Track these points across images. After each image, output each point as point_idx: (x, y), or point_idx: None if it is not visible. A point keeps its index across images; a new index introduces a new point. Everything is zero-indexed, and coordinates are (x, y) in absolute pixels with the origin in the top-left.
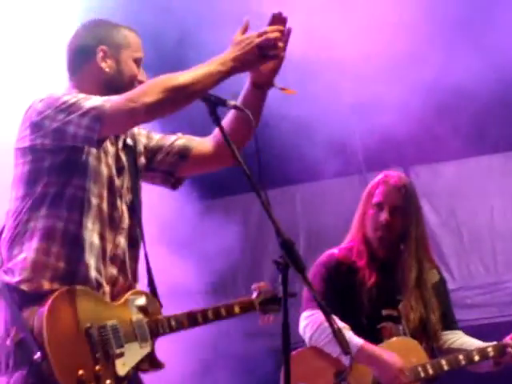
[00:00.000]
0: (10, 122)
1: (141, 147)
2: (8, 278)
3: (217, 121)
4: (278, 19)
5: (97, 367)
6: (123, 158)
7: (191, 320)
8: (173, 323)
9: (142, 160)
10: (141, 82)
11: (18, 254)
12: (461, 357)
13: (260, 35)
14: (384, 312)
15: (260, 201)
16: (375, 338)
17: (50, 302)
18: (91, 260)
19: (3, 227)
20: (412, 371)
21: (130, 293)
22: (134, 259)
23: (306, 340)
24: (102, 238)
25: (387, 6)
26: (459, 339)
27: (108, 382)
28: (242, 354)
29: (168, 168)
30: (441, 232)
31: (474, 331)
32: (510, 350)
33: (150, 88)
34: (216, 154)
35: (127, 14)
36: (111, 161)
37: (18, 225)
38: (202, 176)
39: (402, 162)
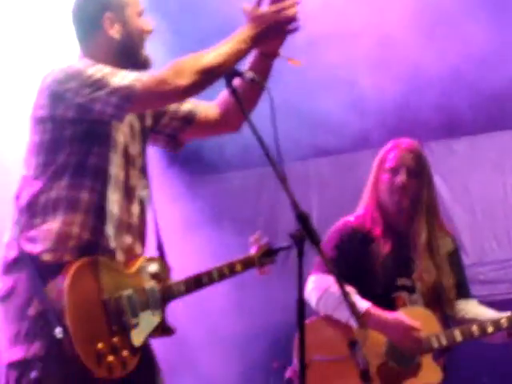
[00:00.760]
0: None
1: None
2: (30, 247)
3: (234, 92)
4: None
5: (114, 339)
6: (135, 123)
7: (198, 282)
8: (182, 288)
9: (149, 121)
10: (148, 32)
11: (42, 223)
12: (474, 328)
13: (278, 11)
14: (399, 281)
15: (276, 174)
16: (389, 307)
17: (71, 274)
18: (111, 230)
19: (19, 191)
20: (425, 341)
21: (142, 260)
22: (145, 225)
23: (312, 303)
24: (120, 207)
25: None
26: (473, 309)
27: (125, 352)
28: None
29: (172, 132)
30: (454, 208)
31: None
32: None
33: (181, 70)
34: (222, 121)
35: None
36: (126, 128)
37: (39, 192)
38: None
39: (414, 138)
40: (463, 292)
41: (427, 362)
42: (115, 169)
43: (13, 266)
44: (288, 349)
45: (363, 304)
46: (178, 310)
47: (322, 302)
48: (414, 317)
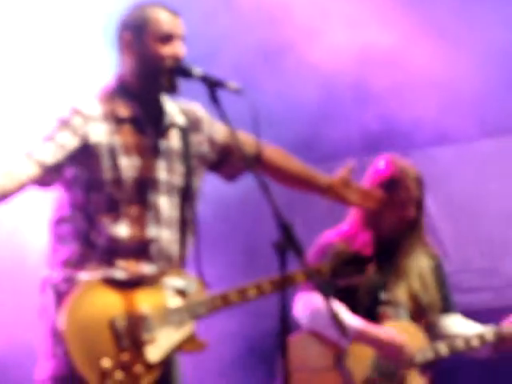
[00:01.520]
0: None
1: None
2: (50, 273)
3: (217, 103)
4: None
5: (123, 355)
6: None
7: (241, 295)
8: (217, 302)
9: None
10: (175, 59)
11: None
12: (459, 341)
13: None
14: (383, 296)
15: (258, 182)
16: (374, 322)
17: (73, 296)
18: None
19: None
20: (411, 356)
21: (166, 275)
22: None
23: (301, 322)
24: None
25: None
26: (458, 323)
27: (138, 368)
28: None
29: (235, 172)
30: (437, 215)
31: (469, 315)
32: (507, 334)
33: None
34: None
35: None
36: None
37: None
38: None
39: (398, 146)
40: (447, 307)
41: (413, 375)
42: None
43: (44, 285)
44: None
45: (355, 322)
46: None
47: (314, 322)
48: (399, 331)
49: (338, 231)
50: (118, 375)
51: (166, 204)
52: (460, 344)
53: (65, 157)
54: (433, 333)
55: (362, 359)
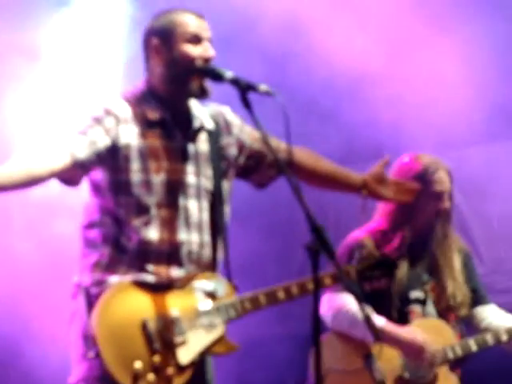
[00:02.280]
0: None
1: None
2: (81, 277)
3: (248, 106)
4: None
5: (155, 358)
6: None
7: (270, 297)
8: (247, 305)
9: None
10: (205, 60)
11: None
12: (488, 337)
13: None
14: (411, 295)
15: (290, 185)
16: (403, 320)
17: (104, 298)
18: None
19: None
20: (440, 352)
21: (197, 278)
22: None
23: (328, 322)
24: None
25: None
26: (488, 317)
27: (170, 370)
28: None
29: (265, 180)
30: (470, 217)
31: None
32: None
33: None
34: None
35: None
36: None
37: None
38: None
39: (430, 147)
40: (479, 298)
41: (444, 372)
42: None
43: (75, 291)
44: (303, 365)
45: (379, 320)
46: None
47: (338, 321)
48: (428, 329)
49: (367, 229)
50: (150, 377)
51: (195, 207)
52: (489, 339)
53: (95, 154)
54: (462, 327)
55: (391, 358)
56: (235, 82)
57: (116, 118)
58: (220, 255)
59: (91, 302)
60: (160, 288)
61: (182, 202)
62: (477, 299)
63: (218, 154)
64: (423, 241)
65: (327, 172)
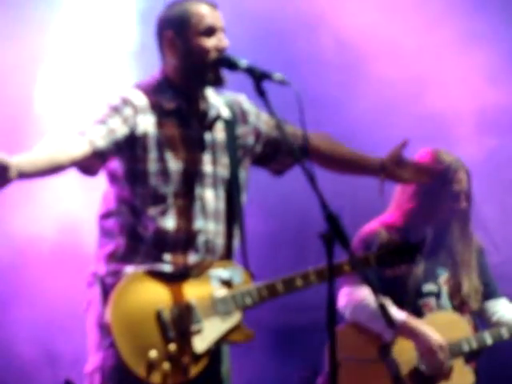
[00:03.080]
0: None
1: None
2: (97, 267)
3: (263, 95)
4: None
5: (170, 346)
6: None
7: (287, 285)
8: (263, 292)
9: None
10: (220, 51)
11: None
12: (503, 330)
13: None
14: (425, 287)
15: (305, 173)
16: (417, 313)
17: (118, 287)
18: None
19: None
20: (455, 345)
21: (212, 266)
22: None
23: (346, 316)
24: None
25: None
26: (501, 310)
27: (185, 359)
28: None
29: (283, 167)
30: (486, 205)
31: None
32: None
33: None
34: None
35: None
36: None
37: (109, 214)
38: None
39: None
40: (491, 292)
41: (459, 365)
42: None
43: (91, 280)
44: (318, 356)
45: (400, 315)
46: None
47: (357, 314)
48: (442, 321)
49: (382, 221)
50: (166, 366)
51: (212, 196)
52: (504, 333)
53: (114, 143)
54: (476, 320)
55: (407, 350)
56: (250, 71)
57: (134, 107)
58: (236, 243)
59: (107, 291)
60: (175, 277)
61: (198, 191)
62: (488, 293)
63: (234, 143)
64: (438, 237)
65: (345, 156)
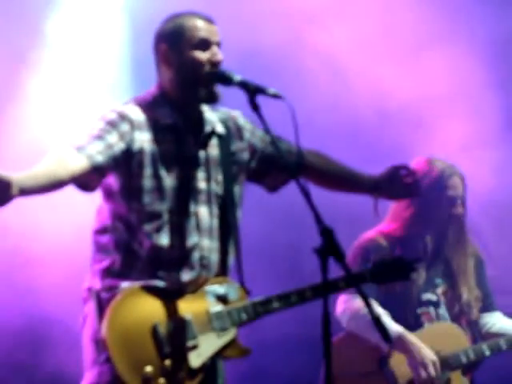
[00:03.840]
0: None
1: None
2: (93, 282)
3: (257, 109)
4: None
5: (166, 362)
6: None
7: (283, 301)
8: (259, 308)
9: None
10: (214, 65)
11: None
12: (502, 341)
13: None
14: (424, 296)
15: (300, 188)
16: (415, 323)
17: (114, 303)
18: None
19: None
20: (454, 357)
21: (208, 282)
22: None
23: (343, 324)
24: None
25: None
26: (498, 322)
27: (181, 374)
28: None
29: (277, 183)
30: (481, 218)
31: None
32: None
33: None
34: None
35: None
36: None
37: (104, 230)
38: None
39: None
40: (488, 305)
41: (456, 377)
42: None
43: (86, 296)
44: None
45: (396, 328)
46: None
47: (354, 323)
48: (440, 332)
49: (380, 230)
50: (161, 382)
51: (206, 213)
52: (503, 344)
53: (112, 158)
54: (474, 331)
55: (405, 362)
56: (244, 85)
57: (131, 122)
58: (231, 260)
59: (102, 306)
60: (171, 293)
61: (192, 208)
62: (485, 305)
63: (228, 159)
64: (436, 245)
65: (339, 173)
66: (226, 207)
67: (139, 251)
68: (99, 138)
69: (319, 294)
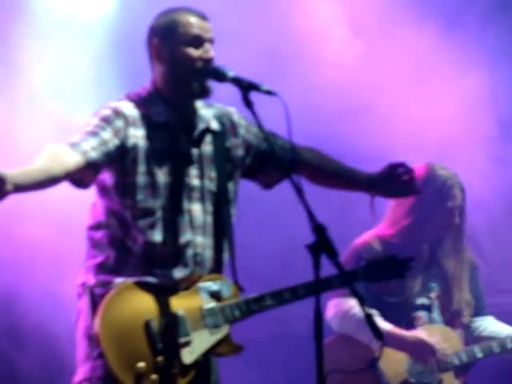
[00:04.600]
0: None
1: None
2: (87, 278)
3: (250, 106)
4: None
5: (159, 358)
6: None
7: (276, 298)
8: (252, 305)
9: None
10: (205, 61)
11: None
12: (494, 344)
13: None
14: (417, 300)
15: (293, 186)
16: (409, 326)
17: (107, 299)
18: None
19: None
20: (446, 359)
21: (202, 279)
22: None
23: (334, 327)
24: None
25: None
26: (490, 326)
27: (173, 371)
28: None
29: (271, 180)
30: (474, 216)
31: (508, 316)
32: None
33: None
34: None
35: None
36: None
37: (98, 226)
38: None
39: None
40: (480, 309)
41: (448, 379)
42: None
43: (80, 291)
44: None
45: (384, 325)
46: None
47: (345, 324)
48: (434, 335)
49: (375, 234)
50: (153, 378)
51: (200, 210)
52: (495, 347)
53: (106, 154)
54: (466, 334)
55: (397, 363)
56: (237, 81)
57: (125, 119)
58: (225, 257)
59: (95, 302)
60: (165, 289)
61: (186, 205)
62: (477, 310)
63: (222, 156)
64: (431, 251)
65: (334, 171)
66: (220, 204)
67: (133, 247)
68: (93, 134)
69: (312, 292)
